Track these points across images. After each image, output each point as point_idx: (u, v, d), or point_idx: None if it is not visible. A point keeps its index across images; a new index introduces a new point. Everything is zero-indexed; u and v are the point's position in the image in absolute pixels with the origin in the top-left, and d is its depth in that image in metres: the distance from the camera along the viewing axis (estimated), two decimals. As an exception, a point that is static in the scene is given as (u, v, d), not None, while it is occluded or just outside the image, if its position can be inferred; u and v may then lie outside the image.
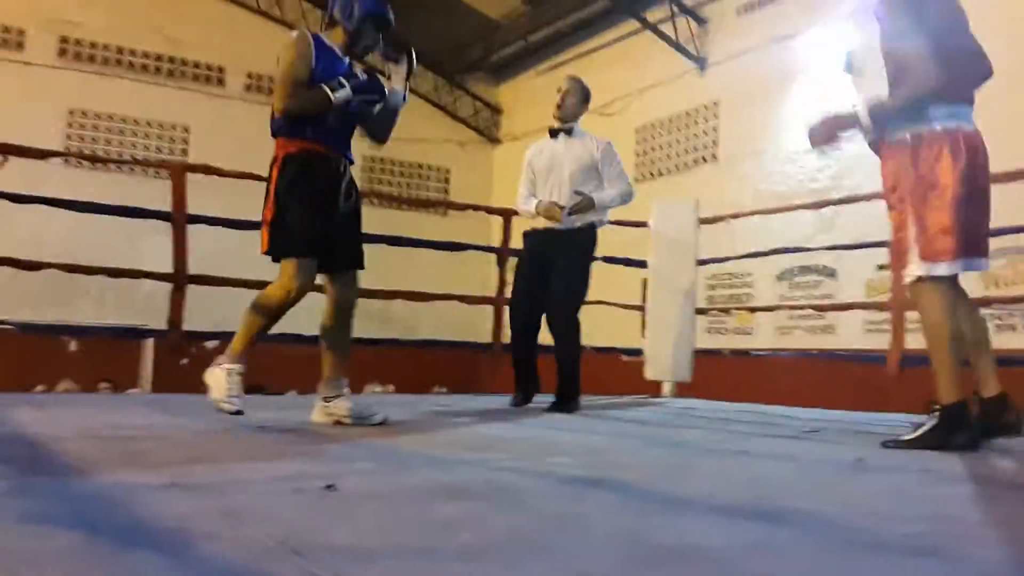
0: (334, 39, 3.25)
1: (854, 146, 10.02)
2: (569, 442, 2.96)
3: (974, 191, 2.69)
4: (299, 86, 3.12)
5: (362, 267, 3.32)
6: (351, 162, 3.35)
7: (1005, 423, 2.80)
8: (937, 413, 2.70)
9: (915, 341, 5.19)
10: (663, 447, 2.93)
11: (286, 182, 3.11)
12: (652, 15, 11.40)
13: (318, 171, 3.16)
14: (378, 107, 3.32)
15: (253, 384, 6.00)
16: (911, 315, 5.64)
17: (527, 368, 4.43)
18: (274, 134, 3.20)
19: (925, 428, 2.70)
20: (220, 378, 3.02)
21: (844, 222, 7.78)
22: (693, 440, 3.16)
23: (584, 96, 4.64)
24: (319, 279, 3.20)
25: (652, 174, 11.77)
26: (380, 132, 3.46)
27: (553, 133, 4.54)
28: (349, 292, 3.28)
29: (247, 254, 8.85)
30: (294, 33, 3.28)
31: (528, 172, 4.57)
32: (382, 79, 3.33)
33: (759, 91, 10.23)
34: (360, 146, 13.15)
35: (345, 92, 3.11)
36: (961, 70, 2.71)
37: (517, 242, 6.68)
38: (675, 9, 11.24)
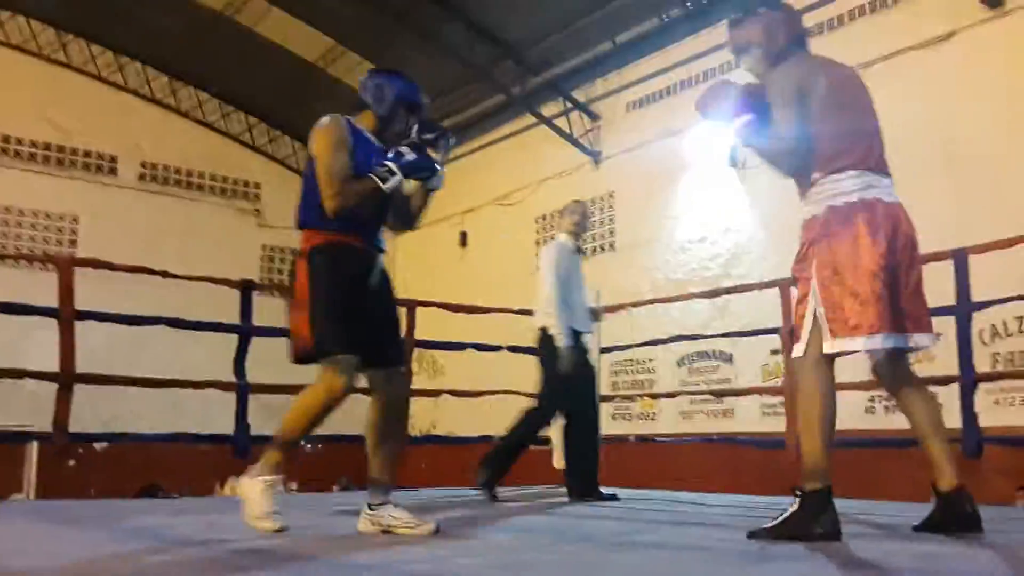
0: (363, 122, 3.06)
1: (741, 236, 10.47)
2: (478, 538, 2.90)
3: (893, 266, 2.61)
4: (347, 181, 2.87)
5: (403, 363, 3.12)
6: (382, 251, 3.08)
7: (965, 518, 2.63)
8: (798, 499, 2.60)
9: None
10: (575, 541, 2.91)
11: (317, 277, 2.86)
12: (547, 110, 11.81)
13: (349, 262, 2.91)
14: (412, 186, 3.07)
15: (145, 486, 5.72)
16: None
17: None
18: (300, 225, 2.96)
19: (785, 515, 2.60)
20: (256, 492, 2.73)
21: (737, 309, 8.09)
22: (604, 532, 3.16)
23: None
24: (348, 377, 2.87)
25: (552, 263, 11.97)
26: (410, 218, 3.18)
27: (581, 250, 5.04)
28: (400, 387, 3.08)
29: (137, 350, 8.55)
30: (325, 120, 3.01)
31: (563, 275, 4.71)
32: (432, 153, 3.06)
33: (651, 183, 10.65)
34: (260, 235, 12.98)
35: (396, 179, 2.88)
36: (851, 142, 2.71)
37: (420, 332, 6.64)
38: (568, 105, 11.70)
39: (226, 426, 5.44)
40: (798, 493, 2.61)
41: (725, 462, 6.15)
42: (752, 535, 2.64)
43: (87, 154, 13.17)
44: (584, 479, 4.70)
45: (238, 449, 5.24)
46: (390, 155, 2.94)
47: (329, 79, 13.09)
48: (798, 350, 2.71)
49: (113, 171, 13.34)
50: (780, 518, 2.61)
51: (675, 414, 9.80)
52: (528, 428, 4.70)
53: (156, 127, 13.67)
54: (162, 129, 13.73)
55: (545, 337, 4.66)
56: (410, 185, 3.07)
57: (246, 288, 5.95)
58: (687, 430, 9.39)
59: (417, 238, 14.87)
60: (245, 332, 5.78)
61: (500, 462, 4.60)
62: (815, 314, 2.65)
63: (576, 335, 4.67)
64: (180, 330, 5.89)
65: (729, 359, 9.37)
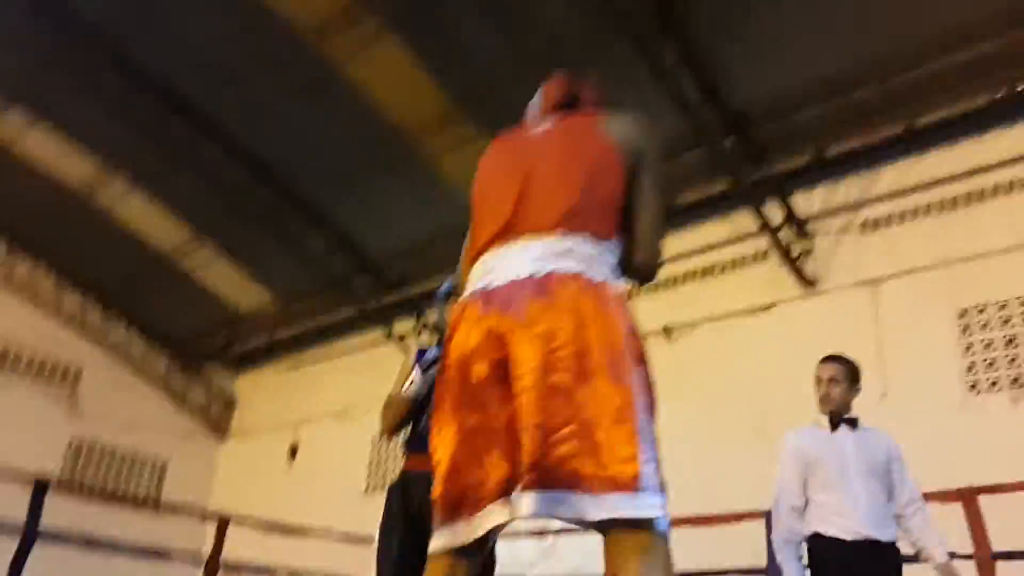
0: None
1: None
2: None
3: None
4: (388, 407, 3.03)
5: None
6: None
7: None
8: None
9: None
10: None
11: (384, 516, 2.97)
12: (400, 326, 11.90)
13: (419, 497, 2.82)
14: None
15: None
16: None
17: None
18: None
19: None
20: None
21: (564, 551, 7.97)
22: None
23: (854, 376, 3.98)
24: None
25: (383, 485, 11.61)
26: None
27: (835, 423, 3.87)
28: None
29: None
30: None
31: (800, 467, 3.72)
32: None
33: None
34: (71, 426, 11.97)
35: (415, 381, 2.96)
36: None
37: (234, 551, 6.13)
38: (422, 324, 11.85)
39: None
40: None
41: None
42: None
43: None
44: None
45: None
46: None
47: (180, 271, 12.81)
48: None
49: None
50: None
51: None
52: None
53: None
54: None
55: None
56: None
57: (39, 485, 5.41)
58: None
59: (246, 448, 14.21)
60: (29, 536, 5.20)
61: None
62: None
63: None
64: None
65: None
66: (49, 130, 11.07)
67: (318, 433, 12.31)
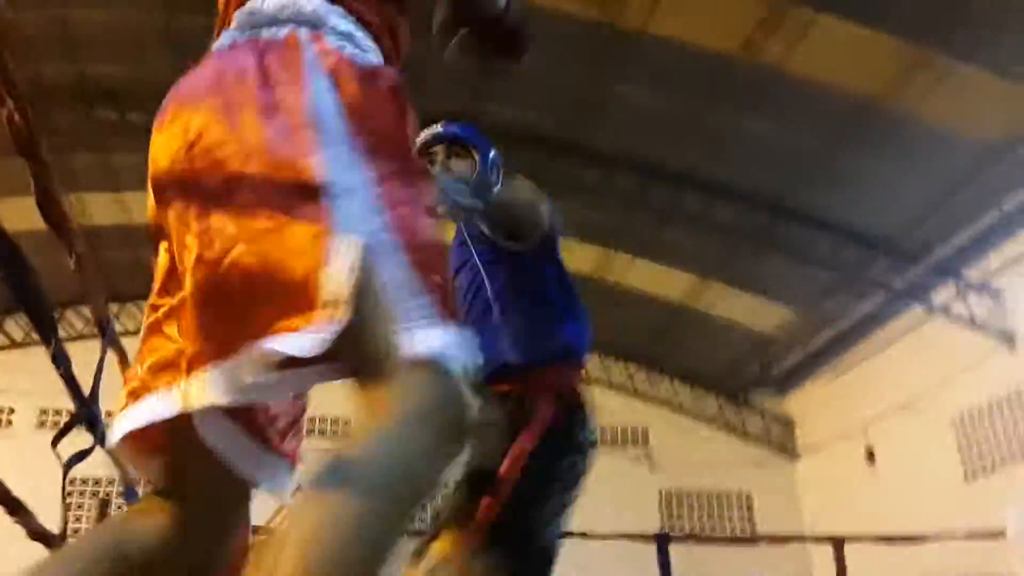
0: None
1: None
2: None
3: None
4: None
5: None
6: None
7: None
8: None
9: None
10: None
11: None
12: (939, 295, 10.77)
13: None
14: None
15: None
16: None
17: None
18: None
19: None
20: None
21: None
22: None
23: None
24: None
25: (985, 468, 10.32)
26: None
27: None
28: None
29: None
30: None
31: None
32: None
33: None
34: (655, 480, 12.86)
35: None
36: None
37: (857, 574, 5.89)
38: (962, 286, 10.57)
39: None
40: None
41: None
42: None
43: None
44: None
45: None
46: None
47: (697, 315, 13.29)
48: None
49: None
50: None
51: None
52: None
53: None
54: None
55: None
56: None
57: (661, 539, 5.92)
58: None
59: (819, 462, 13.87)
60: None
61: None
62: None
63: None
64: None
65: None
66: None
67: (891, 430, 11.51)
